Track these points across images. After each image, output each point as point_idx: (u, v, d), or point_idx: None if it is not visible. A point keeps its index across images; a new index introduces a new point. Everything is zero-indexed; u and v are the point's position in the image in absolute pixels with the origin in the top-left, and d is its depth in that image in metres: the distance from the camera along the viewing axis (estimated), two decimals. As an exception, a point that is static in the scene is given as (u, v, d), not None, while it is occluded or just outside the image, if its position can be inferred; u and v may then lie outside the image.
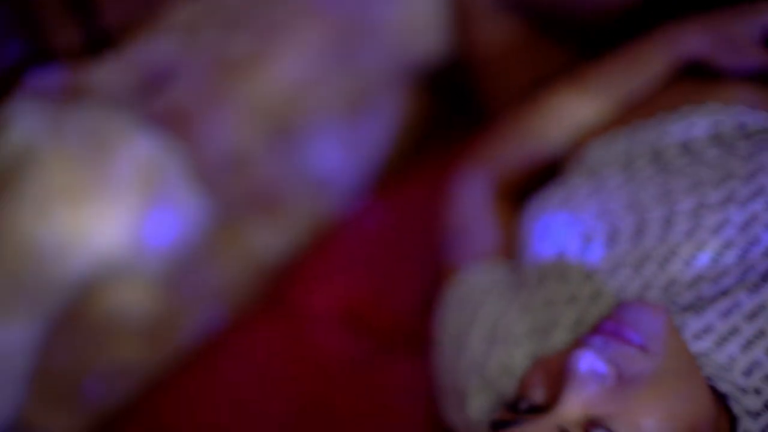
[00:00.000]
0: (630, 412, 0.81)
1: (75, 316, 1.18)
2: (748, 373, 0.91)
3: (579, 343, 0.88)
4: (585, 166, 1.14)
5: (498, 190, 1.26)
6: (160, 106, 1.19)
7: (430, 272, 1.36)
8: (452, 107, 1.60)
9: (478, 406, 1.07)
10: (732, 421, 0.90)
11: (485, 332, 1.09)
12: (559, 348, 1.02)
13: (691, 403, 0.83)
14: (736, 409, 0.89)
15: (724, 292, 0.94)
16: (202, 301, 1.31)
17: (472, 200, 1.27)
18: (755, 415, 0.90)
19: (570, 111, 1.20)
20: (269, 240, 1.37)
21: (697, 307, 0.95)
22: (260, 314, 1.36)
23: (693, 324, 0.94)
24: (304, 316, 1.34)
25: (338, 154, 1.43)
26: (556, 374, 0.87)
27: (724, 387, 0.90)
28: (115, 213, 1.14)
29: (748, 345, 0.92)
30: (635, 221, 1.04)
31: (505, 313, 1.09)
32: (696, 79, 1.14)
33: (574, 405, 0.82)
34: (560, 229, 1.10)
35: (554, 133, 1.21)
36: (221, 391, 1.24)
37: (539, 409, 0.86)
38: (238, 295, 1.40)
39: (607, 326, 0.87)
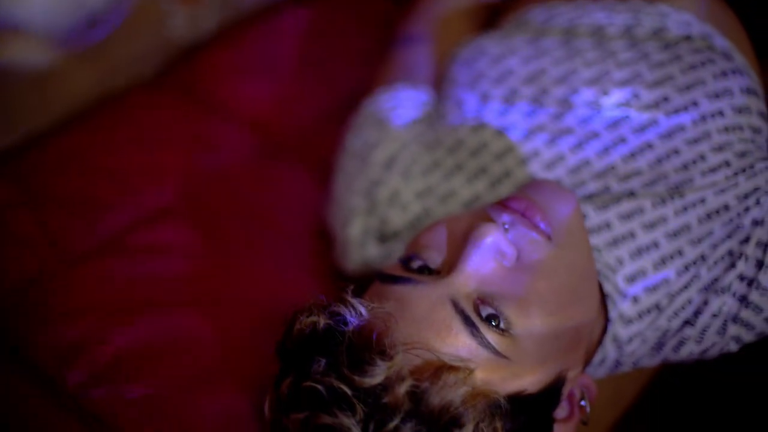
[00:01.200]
0: (522, 298, 0.80)
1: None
2: (631, 279, 0.95)
3: (485, 215, 0.86)
4: (517, 26, 1.13)
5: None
6: None
7: (341, 87, 1.34)
8: None
9: (360, 228, 1.08)
10: (606, 322, 0.95)
11: (387, 157, 1.09)
12: (454, 192, 1.04)
13: (583, 300, 0.85)
14: (612, 311, 0.94)
15: (630, 194, 0.96)
16: (103, 67, 1.25)
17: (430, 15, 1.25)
18: (627, 321, 0.95)
19: None
20: (185, 23, 1.30)
21: (600, 200, 0.96)
22: (163, 93, 1.31)
23: (592, 218, 0.96)
24: (210, 108, 1.29)
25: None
26: (456, 241, 0.85)
27: (606, 287, 0.94)
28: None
29: (639, 253, 0.95)
30: (536, 91, 1.04)
31: (409, 145, 1.09)
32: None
33: (469, 277, 0.81)
34: (467, 81, 1.10)
35: None
36: (107, 155, 1.20)
37: (431, 272, 0.85)
38: (144, 72, 1.34)
39: (518, 204, 0.86)
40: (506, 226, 0.84)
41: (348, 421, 0.72)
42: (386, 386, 0.73)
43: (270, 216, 1.18)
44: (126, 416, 0.88)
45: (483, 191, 1.04)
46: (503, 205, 0.86)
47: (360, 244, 1.08)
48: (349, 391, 0.73)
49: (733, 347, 0.98)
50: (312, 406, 0.75)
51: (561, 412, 0.86)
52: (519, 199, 0.86)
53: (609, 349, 0.97)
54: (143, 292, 1.04)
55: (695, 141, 0.95)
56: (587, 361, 0.96)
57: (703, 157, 0.95)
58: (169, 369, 0.96)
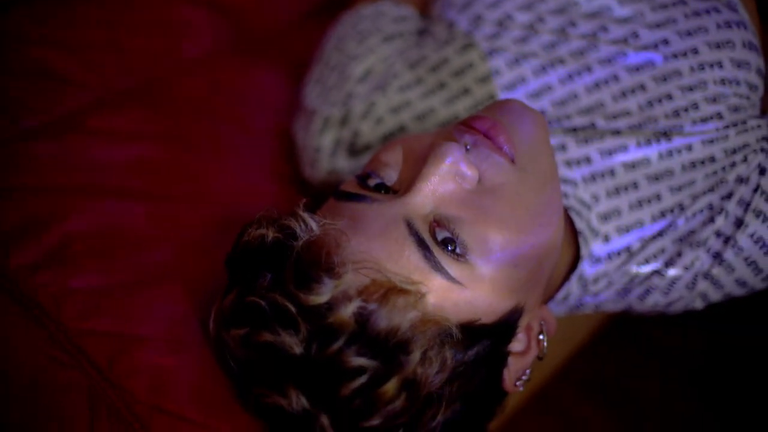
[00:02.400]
0: (480, 222, 0.78)
1: None
2: (605, 217, 0.94)
3: (447, 134, 0.83)
4: None
5: None
6: None
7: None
8: None
9: (332, 139, 1.06)
10: (576, 259, 0.95)
11: (364, 70, 1.06)
12: (432, 111, 1.02)
13: (544, 229, 0.82)
14: (583, 249, 0.93)
15: (615, 132, 0.95)
16: None
17: None
18: (596, 260, 0.94)
19: None
20: None
21: (583, 135, 0.95)
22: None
23: (572, 150, 0.96)
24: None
25: None
26: (415, 159, 0.82)
27: (579, 224, 0.93)
28: None
29: (616, 191, 0.94)
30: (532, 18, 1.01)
31: (389, 60, 1.06)
32: None
33: (426, 197, 0.78)
34: (460, 3, 1.06)
35: None
36: (71, 30, 1.13)
37: (388, 191, 0.82)
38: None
39: (481, 124, 0.82)
40: (468, 147, 0.81)
41: (290, 339, 0.71)
42: (332, 306, 0.71)
43: (238, 113, 1.14)
44: (68, 306, 0.85)
45: (463, 113, 1.02)
46: (467, 124, 0.83)
47: (330, 155, 1.06)
48: (293, 309, 0.71)
49: (699, 304, 0.98)
50: (254, 322, 0.73)
51: (517, 345, 0.85)
52: (483, 119, 0.83)
53: (574, 287, 0.96)
54: (99, 178, 1.01)
55: (690, 88, 0.93)
56: (549, 296, 0.96)
57: (695, 106, 0.93)
58: (118, 262, 0.92)
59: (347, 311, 0.71)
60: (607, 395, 1.69)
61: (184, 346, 0.87)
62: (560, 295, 0.96)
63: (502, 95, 1.01)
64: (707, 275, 0.94)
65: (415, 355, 0.72)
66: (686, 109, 0.94)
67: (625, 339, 1.69)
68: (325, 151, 1.07)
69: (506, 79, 1.00)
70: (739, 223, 0.92)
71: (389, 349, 0.71)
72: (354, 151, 1.06)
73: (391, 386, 0.71)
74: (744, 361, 1.70)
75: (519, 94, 1.00)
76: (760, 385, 1.66)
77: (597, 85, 0.96)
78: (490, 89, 1.01)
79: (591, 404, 1.68)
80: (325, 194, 1.07)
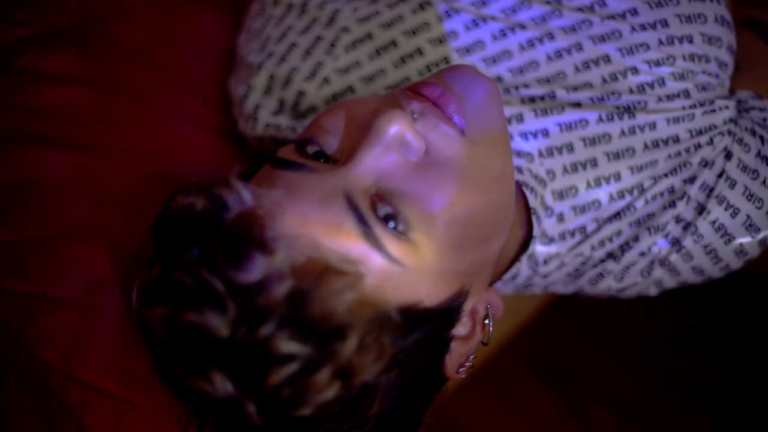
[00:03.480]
0: (424, 198, 0.73)
1: None
2: (560, 195, 0.91)
3: (393, 100, 0.78)
4: None
5: None
6: None
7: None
8: None
9: (275, 99, 1.00)
10: (527, 238, 0.92)
11: (309, 19, 1.00)
12: (382, 72, 0.97)
13: (494, 208, 0.78)
14: (535, 228, 0.90)
15: (576, 104, 0.91)
16: None
17: None
18: (548, 240, 0.92)
19: None
20: None
21: (541, 104, 0.92)
22: None
23: (529, 121, 0.92)
24: None
25: None
26: (357, 126, 0.77)
27: (532, 200, 0.90)
28: None
29: (574, 168, 0.91)
30: None
31: (338, 16, 1.00)
32: None
33: (367, 170, 0.73)
34: None
35: None
36: None
37: (328, 160, 0.77)
38: None
39: (431, 91, 0.77)
40: (415, 116, 0.76)
41: (217, 320, 0.66)
42: (263, 285, 0.66)
43: (176, 61, 1.08)
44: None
45: (414, 75, 0.97)
46: (415, 90, 0.77)
47: (270, 114, 1.00)
48: (221, 287, 0.66)
49: (653, 291, 0.96)
50: (177, 300, 0.68)
51: (461, 329, 0.80)
52: (432, 86, 0.77)
53: (523, 267, 0.93)
54: (20, 123, 0.94)
55: (657, 62, 0.90)
56: (497, 277, 0.92)
57: (662, 81, 0.90)
58: (36, 216, 0.87)
59: (279, 292, 0.66)
60: (550, 374, 1.68)
61: (105, 311, 0.82)
62: (508, 275, 0.93)
63: (457, 59, 0.95)
64: (664, 262, 0.92)
65: (351, 342, 0.68)
66: (651, 85, 0.90)
67: (578, 316, 1.68)
68: (265, 110, 1.01)
69: (463, 41, 0.95)
70: (701, 210, 0.90)
71: (323, 335, 0.67)
72: (297, 111, 1.00)
73: (323, 375, 0.67)
74: (709, 347, 1.71)
75: (476, 59, 0.95)
76: (721, 371, 1.67)
77: (559, 54, 0.92)
78: (445, 51, 0.96)
79: (533, 382, 1.67)
80: (261, 151, 1.03)
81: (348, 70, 0.98)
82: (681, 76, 0.90)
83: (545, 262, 0.94)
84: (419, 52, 0.96)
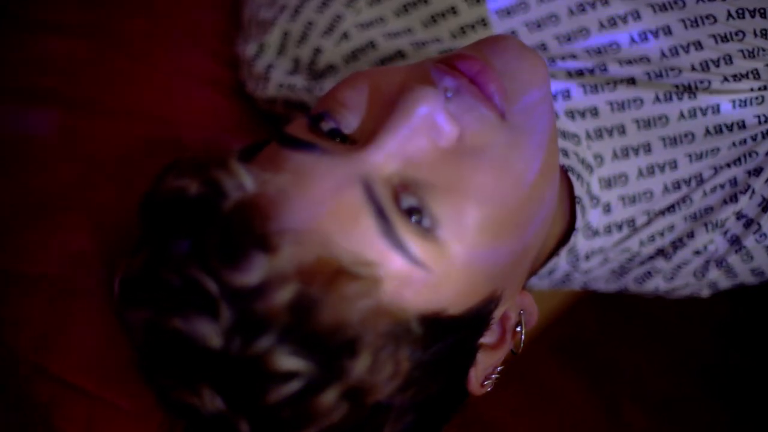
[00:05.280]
0: (456, 191, 0.65)
1: None
2: (609, 183, 0.85)
3: (423, 74, 0.69)
4: None
5: None
6: None
7: None
8: None
9: (287, 57, 0.93)
10: (568, 231, 0.85)
11: None
12: (409, 30, 0.90)
13: (535, 203, 0.70)
14: (579, 219, 0.83)
15: (629, 80, 0.84)
16: None
17: None
18: (593, 233, 0.86)
19: None
20: None
21: (590, 80, 0.85)
22: None
23: (577, 98, 0.85)
24: None
25: None
26: (381, 103, 0.69)
27: (578, 189, 0.83)
28: None
29: (624, 153, 0.85)
30: None
31: None
32: None
33: (391, 155, 0.65)
34: None
35: None
36: None
37: (345, 140, 0.69)
38: None
39: (469, 66, 0.68)
40: (449, 94, 0.67)
41: (207, 329, 0.59)
42: (263, 289, 0.58)
43: (182, 10, 0.99)
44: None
45: (446, 37, 0.89)
46: (450, 64, 0.69)
47: (283, 75, 0.92)
48: (213, 289, 0.59)
49: (706, 293, 0.90)
50: (162, 302, 0.61)
51: (489, 337, 0.73)
52: (471, 60, 0.68)
53: (562, 261, 0.86)
54: (6, 76, 0.88)
55: (724, 37, 0.82)
56: (533, 273, 0.85)
57: (728, 59, 0.82)
58: (15, 179, 0.81)
59: (282, 298, 0.59)
60: (583, 365, 1.63)
61: (84, 293, 0.76)
62: (545, 269, 0.86)
63: (496, 21, 0.87)
64: (721, 262, 0.85)
65: (363, 359, 0.60)
66: (717, 62, 0.83)
67: (615, 302, 1.62)
68: (278, 69, 0.93)
69: (503, 1, 0.87)
70: (766, 206, 0.82)
71: (331, 349, 0.60)
72: (313, 70, 0.92)
73: (329, 396, 0.60)
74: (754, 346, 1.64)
75: (517, 23, 0.87)
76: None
77: (613, 22, 0.84)
78: (482, 12, 0.88)
79: (565, 374, 1.62)
80: (272, 114, 0.95)
81: (370, 25, 0.90)
82: (750, 54, 0.82)
83: (587, 257, 0.87)
84: (453, 11, 0.88)
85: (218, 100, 0.97)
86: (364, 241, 0.62)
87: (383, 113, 0.66)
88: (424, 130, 0.65)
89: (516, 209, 0.68)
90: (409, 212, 0.63)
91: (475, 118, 0.67)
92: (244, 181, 0.62)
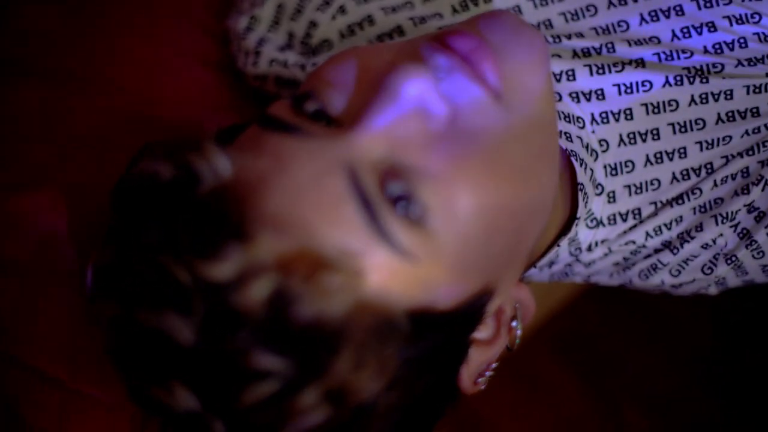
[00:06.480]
0: (446, 177, 0.62)
1: None
2: (614, 170, 0.83)
3: (413, 52, 0.66)
4: None
5: None
6: None
7: None
8: None
9: (281, 31, 0.90)
10: (570, 220, 0.83)
11: None
12: (408, 3, 0.87)
13: (532, 191, 0.68)
14: (581, 208, 0.80)
15: (638, 62, 0.81)
16: None
17: None
18: (596, 223, 0.83)
19: None
20: None
21: (597, 60, 0.82)
22: None
23: (582, 79, 0.82)
24: None
25: None
26: (369, 82, 0.66)
27: (581, 175, 0.80)
28: None
29: (631, 139, 0.83)
30: None
31: None
32: None
33: (377, 138, 0.62)
34: None
35: None
36: None
37: (330, 122, 0.66)
38: None
39: (462, 42, 0.65)
40: (441, 74, 0.64)
41: (178, 324, 0.56)
42: (239, 281, 0.56)
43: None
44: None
45: (447, 11, 0.86)
46: (442, 41, 0.66)
47: (276, 49, 0.90)
48: (187, 281, 0.56)
49: (713, 290, 0.87)
50: (131, 295, 0.59)
51: (483, 332, 0.71)
52: (465, 36, 0.65)
53: (563, 252, 0.84)
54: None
55: (739, 19, 0.80)
56: (532, 263, 0.82)
57: (743, 42, 0.81)
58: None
59: (259, 291, 0.56)
60: (583, 362, 1.61)
61: (57, 277, 0.73)
62: (544, 260, 0.83)
63: None
64: (730, 258, 0.82)
65: (345, 356, 0.58)
66: (731, 45, 0.81)
67: (619, 296, 1.61)
68: (270, 44, 0.90)
69: None
70: None
71: (311, 347, 0.57)
72: (307, 45, 0.90)
73: (310, 396, 0.58)
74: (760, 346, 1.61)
75: None
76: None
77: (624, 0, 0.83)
78: None
79: (564, 371, 1.60)
80: (262, 91, 0.92)
81: None
82: (766, 38, 0.80)
83: (589, 248, 0.84)
84: None
85: (206, 77, 0.94)
86: (347, 231, 0.59)
87: (370, 93, 0.64)
88: (413, 112, 0.62)
89: (511, 196, 0.65)
90: (397, 200, 0.61)
91: (467, 99, 0.64)
92: (220, 165, 0.60)
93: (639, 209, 0.84)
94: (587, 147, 0.81)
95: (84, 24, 0.90)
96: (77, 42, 0.89)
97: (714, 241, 0.82)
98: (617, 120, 0.82)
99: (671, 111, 0.82)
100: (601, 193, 0.82)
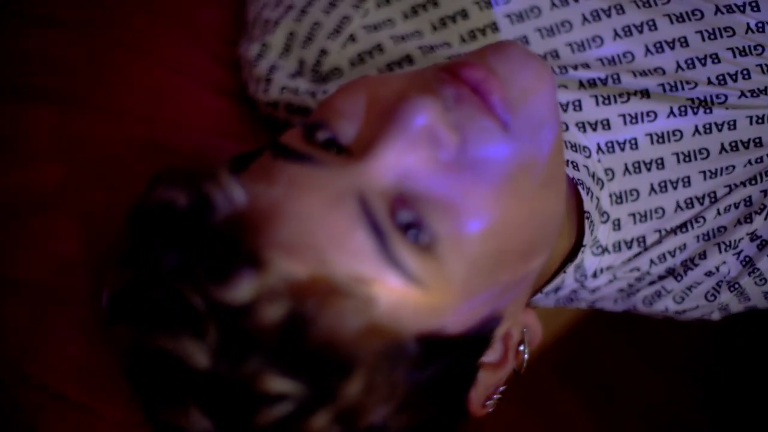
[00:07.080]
0: (456, 206, 0.64)
1: None
2: (619, 199, 0.84)
3: (424, 83, 0.67)
4: None
5: None
6: None
7: None
8: None
9: (291, 59, 0.92)
10: (576, 247, 0.83)
11: None
12: (418, 34, 0.88)
13: (539, 219, 0.69)
14: (587, 235, 0.81)
15: (643, 92, 0.83)
16: None
17: None
18: (601, 250, 0.84)
19: None
20: None
21: (603, 90, 0.83)
22: None
23: (589, 110, 0.83)
24: None
25: None
26: (379, 112, 0.67)
27: (587, 203, 0.81)
28: None
29: (636, 168, 0.84)
30: None
31: None
32: None
33: (388, 166, 0.63)
34: None
35: None
36: None
37: (341, 150, 0.67)
38: None
39: (472, 74, 0.66)
40: (449, 103, 0.65)
41: (194, 347, 0.58)
42: (252, 307, 0.57)
43: (183, 7, 0.98)
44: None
45: (456, 41, 0.87)
46: (452, 71, 0.67)
47: (287, 78, 0.91)
48: (201, 307, 0.58)
49: (716, 316, 0.88)
50: (148, 319, 0.60)
51: (491, 355, 0.72)
52: (474, 67, 0.66)
53: (568, 279, 0.85)
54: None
55: (742, 51, 0.81)
56: (537, 290, 0.83)
57: (746, 73, 0.81)
58: (1, 178, 0.79)
59: (272, 316, 0.57)
60: (587, 385, 1.61)
61: (71, 299, 0.74)
62: (550, 287, 0.84)
63: (507, 26, 0.86)
64: (733, 285, 0.83)
65: (357, 380, 0.59)
66: (734, 76, 0.82)
67: (624, 320, 1.62)
68: (281, 71, 0.92)
69: (515, 6, 0.85)
70: None
71: (323, 371, 0.58)
72: (318, 72, 0.91)
73: (321, 419, 0.59)
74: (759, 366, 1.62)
75: (529, 28, 0.86)
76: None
77: (628, 31, 0.83)
78: (493, 16, 0.86)
79: (568, 393, 1.60)
80: (272, 119, 0.93)
81: (378, 27, 0.89)
82: None
83: (595, 275, 0.85)
84: (463, 14, 0.87)
85: (217, 103, 0.95)
86: (359, 258, 0.60)
87: (381, 123, 0.65)
88: (423, 142, 0.64)
89: (520, 224, 0.66)
90: (407, 227, 0.62)
91: (476, 129, 0.65)
92: (234, 194, 0.61)
93: (644, 237, 0.85)
94: (593, 176, 0.82)
95: (96, 50, 0.91)
96: (89, 68, 0.90)
97: (717, 269, 0.83)
98: (622, 149, 0.83)
99: (675, 141, 0.82)
100: (606, 221, 0.83)
